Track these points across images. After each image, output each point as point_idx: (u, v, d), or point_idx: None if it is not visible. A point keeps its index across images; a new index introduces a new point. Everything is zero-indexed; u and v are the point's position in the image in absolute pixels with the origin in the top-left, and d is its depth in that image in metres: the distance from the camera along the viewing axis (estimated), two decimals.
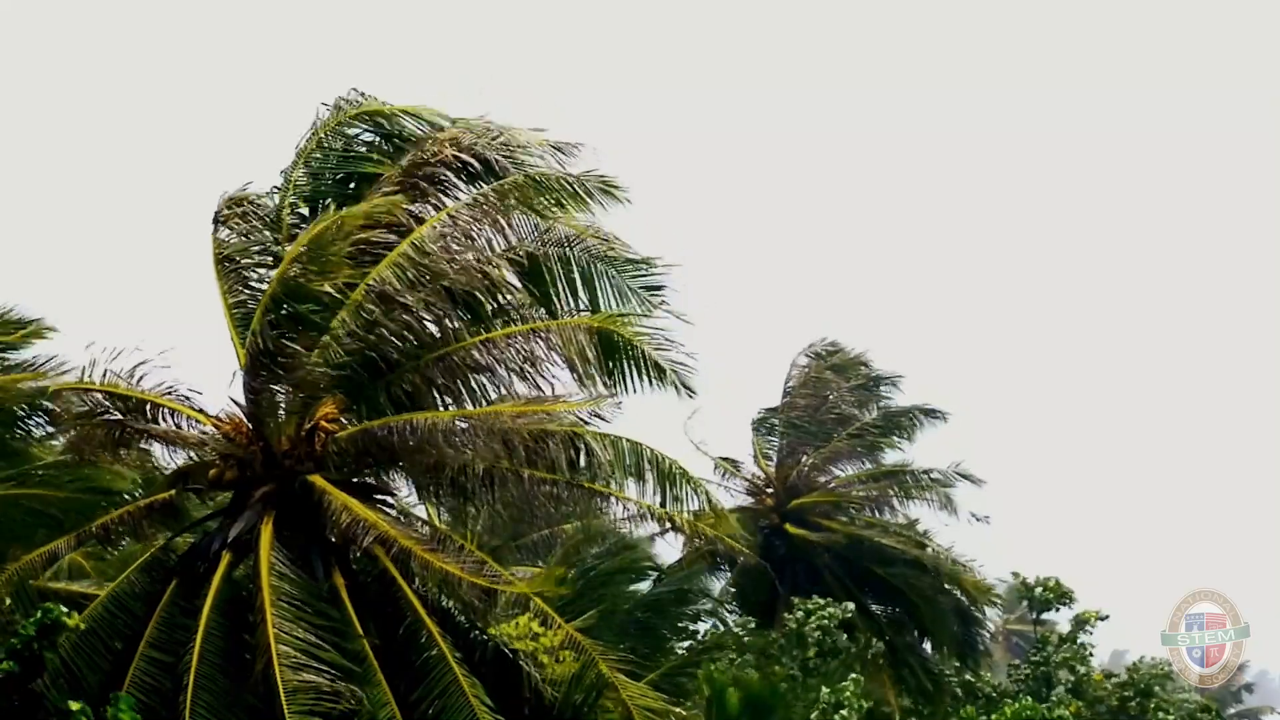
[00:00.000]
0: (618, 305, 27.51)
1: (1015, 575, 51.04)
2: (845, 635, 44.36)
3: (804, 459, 51.32)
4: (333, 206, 27.71)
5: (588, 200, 27.19)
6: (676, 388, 27.05)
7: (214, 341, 27.18)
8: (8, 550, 27.22)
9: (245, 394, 26.53)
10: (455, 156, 27.36)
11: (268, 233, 27.57)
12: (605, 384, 26.98)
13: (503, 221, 27.14)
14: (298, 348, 25.90)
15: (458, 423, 25.93)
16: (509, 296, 27.48)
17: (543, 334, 27.01)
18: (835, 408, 51.45)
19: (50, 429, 28.86)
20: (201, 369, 27.37)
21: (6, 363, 30.03)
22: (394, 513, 27.31)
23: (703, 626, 41.96)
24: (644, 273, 27.66)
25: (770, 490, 51.16)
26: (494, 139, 27.58)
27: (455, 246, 26.69)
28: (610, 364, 26.97)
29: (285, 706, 24.11)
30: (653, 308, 27.48)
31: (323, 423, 26.63)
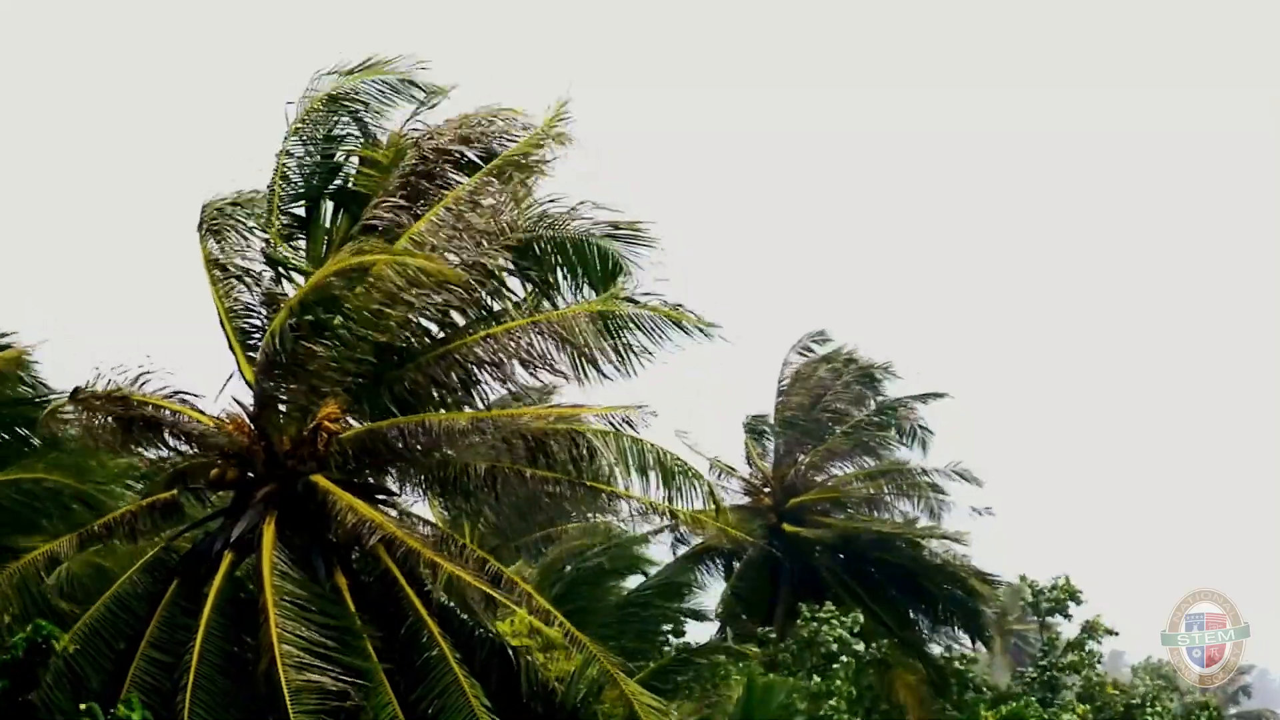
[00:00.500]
0: (616, 278, 27.43)
1: (1022, 579, 50.87)
2: (862, 644, 44.37)
3: (801, 458, 51.07)
4: (327, 204, 27.84)
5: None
6: (700, 330, 26.92)
7: (199, 340, 27.28)
8: (10, 541, 27.24)
9: (255, 395, 26.54)
10: (450, 149, 27.35)
11: (259, 234, 27.62)
12: (617, 366, 26.96)
13: (497, 206, 27.05)
14: (313, 347, 25.90)
15: (472, 423, 25.88)
16: (508, 289, 27.55)
17: (544, 325, 26.98)
18: (831, 404, 51.15)
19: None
20: (190, 368, 27.45)
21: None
22: (395, 513, 27.31)
23: (700, 626, 42.04)
24: (638, 238, 27.61)
25: (768, 490, 50.97)
26: (485, 125, 27.56)
27: (458, 239, 26.67)
28: (619, 343, 26.94)
29: (290, 707, 24.09)
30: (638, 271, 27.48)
31: (325, 423, 26.61)
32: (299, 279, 27.44)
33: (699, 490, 27.01)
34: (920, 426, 50.96)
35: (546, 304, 27.47)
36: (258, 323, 27.42)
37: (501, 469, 26.37)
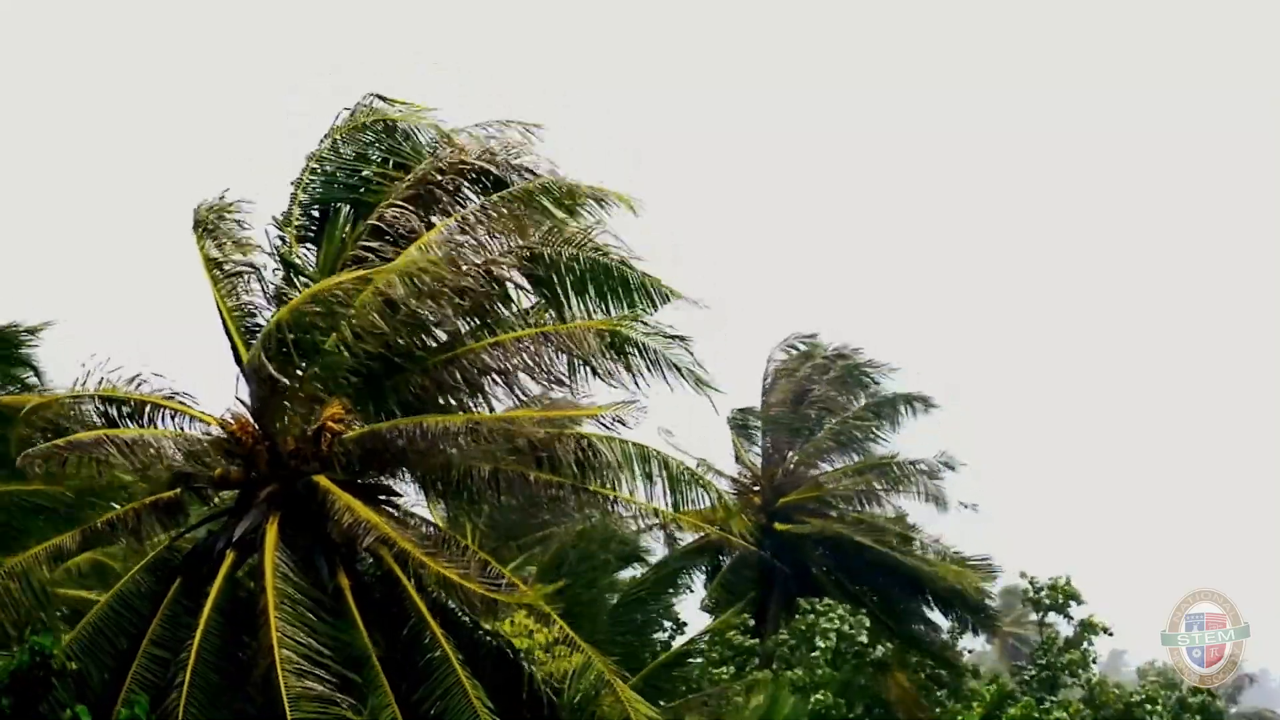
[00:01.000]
0: (626, 305, 27.57)
1: (1024, 575, 50.83)
2: (864, 639, 44.46)
3: (790, 455, 50.95)
4: (344, 209, 27.93)
5: (597, 205, 27.30)
6: (696, 384, 27.08)
7: (207, 339, 27.38)
8: (11, 546, 27.34)
9: (252, 394, 26.66)
10: (465, 165, 27.46)
11: (271, 232, 27.76)
12: (617, 386, 27.09)
13: (511, 226, 27.23)
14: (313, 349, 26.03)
15: (469, 426, 25.95)
16: (517, 300, 27.62)
17: (553, 337, 27.09)
18: (819, 401, 51.00)
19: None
20: (197, 367, 27.56)
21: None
22: (399, 513, 27.38)
23: (695, 627, 42.16)
24: (651, 271, 27.77)
25: (757, 489, 50.85)
26: (503, 151, 27.68)
27: (465, 250, 26.80)
28: (622, 366, 27.07)
29: (288, 713, 24.18)
30: (658, 306, 27.56)
31: (329, 423, 26.67)
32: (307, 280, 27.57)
33: (708, 497, 27.23)
34: (910, 401, 50.70)
35: (554, 316, 27.55)
36: (261, 323, 27.51)
37: (504, 470, 26.49)
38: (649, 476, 26.76)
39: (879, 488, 49.87)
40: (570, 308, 27.38)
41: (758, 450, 51.66)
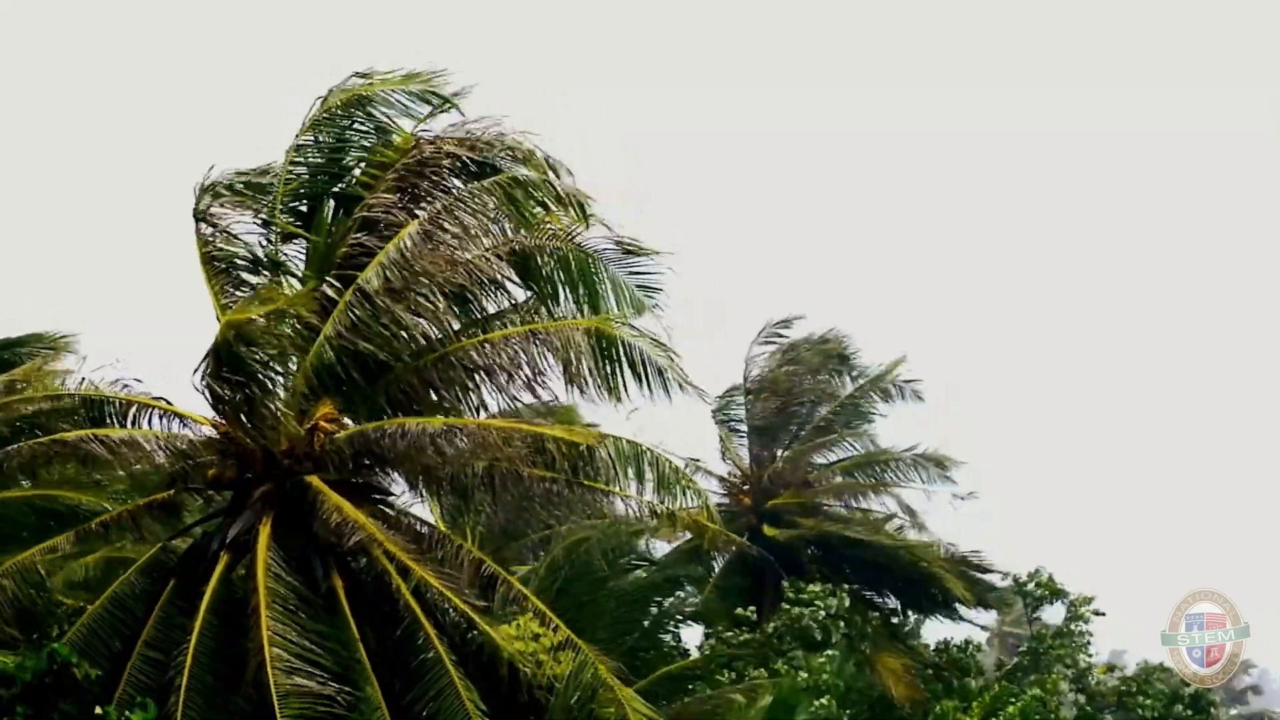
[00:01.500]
0: (615, 302, 27.55)
1: (1010, 576, 50.62)
2: (843, 622, 44.41)
3: (779, 452, 50.27)
4: (330, 205, 27.90)
5: (581, 205, 27.28)
6: (680, 386, 27.07)
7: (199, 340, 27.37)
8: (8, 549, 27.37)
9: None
10: (451, 154, 27.43)
11: (260, 229, 27.73)
12: (603, 385, 27.06)
13: (498, 216, 27.18)
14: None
15: (446, 427, 25.94)
16: (506, 295, 27.62)
17: (540, 335, 27.05)
18: (803, 393, 50.13)
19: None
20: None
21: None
22: (393, 513, 27.37)
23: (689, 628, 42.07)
24: (641, 267, 27.72)
25: (746, 488, 50.20)
26: (490, 139, 27.65)
27: (451, 243, 26.77)
28: (608, 364, 27.04)
29: (278, 710, 24.16)
30: (647, 308, 27.55)
31: (322, 423, 26.69)
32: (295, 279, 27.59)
33: (695, 499, 27.20)
34: (898, 386, 50.38)
35: (544, 313, 27.53)
36: None
37: (499, 469, 26.47)
38: (640, 475, 26.72)
39: (871, 482, 49.43)
40: (559, 303, 27.39)
41: (745, 445, 51.12)
